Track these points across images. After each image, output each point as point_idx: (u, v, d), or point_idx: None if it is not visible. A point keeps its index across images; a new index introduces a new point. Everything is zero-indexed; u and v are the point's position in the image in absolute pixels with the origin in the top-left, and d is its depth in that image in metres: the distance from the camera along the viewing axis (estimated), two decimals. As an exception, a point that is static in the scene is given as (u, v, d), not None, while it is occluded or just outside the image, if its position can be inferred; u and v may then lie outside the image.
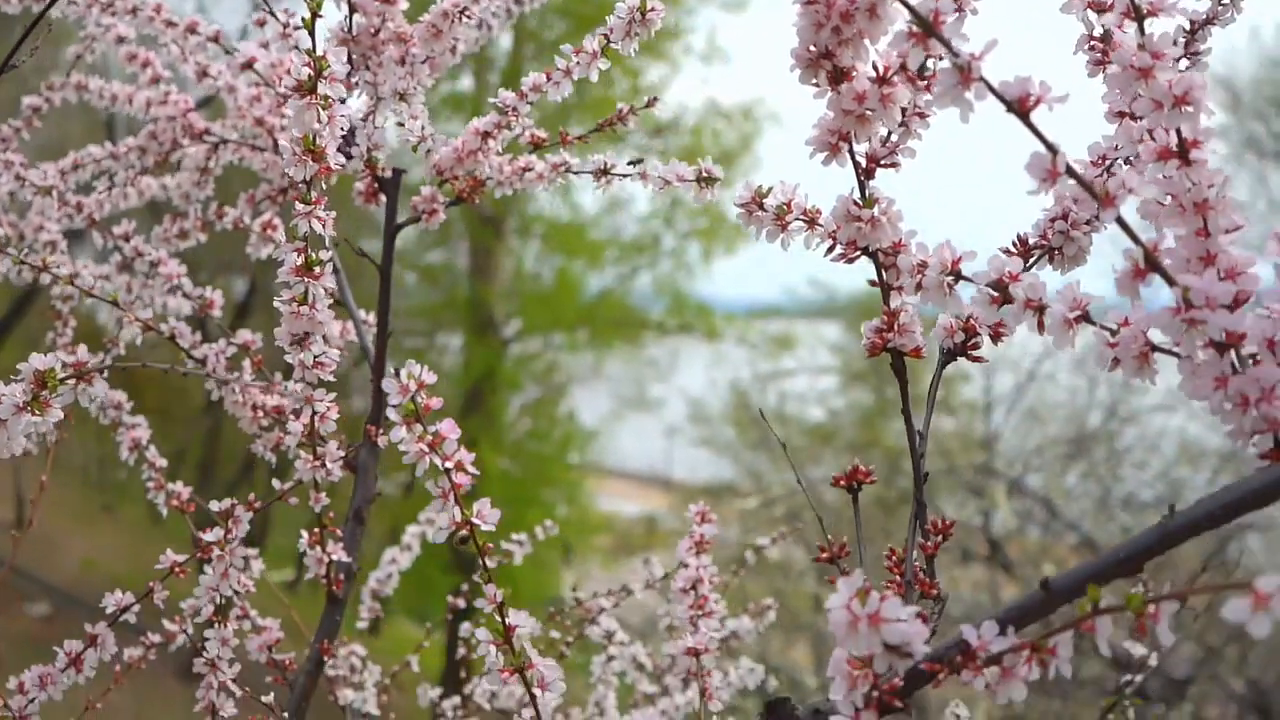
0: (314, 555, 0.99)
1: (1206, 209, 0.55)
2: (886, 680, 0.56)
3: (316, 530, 0.99)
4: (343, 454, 0.94)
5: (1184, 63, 0.74)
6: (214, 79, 1.18)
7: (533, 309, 11.37)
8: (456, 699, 1.38)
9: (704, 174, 0.89)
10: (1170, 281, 0.53)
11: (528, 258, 11.95)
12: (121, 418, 1.16)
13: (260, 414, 1.05)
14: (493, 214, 11.21)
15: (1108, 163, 0.71)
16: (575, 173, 1.00)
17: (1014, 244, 0.71)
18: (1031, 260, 0.71)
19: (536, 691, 0.67)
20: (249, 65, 1.10)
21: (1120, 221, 0.53)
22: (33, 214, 1.28)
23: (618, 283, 11.82)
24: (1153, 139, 0.58)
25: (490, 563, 0.69)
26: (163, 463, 1.13)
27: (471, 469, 0.65)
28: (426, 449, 0.64)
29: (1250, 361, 0.54)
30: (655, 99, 1.03)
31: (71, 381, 0.67)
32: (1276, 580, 0.41)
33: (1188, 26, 0.74)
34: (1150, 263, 0.53)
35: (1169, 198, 0.57)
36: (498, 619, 0.67)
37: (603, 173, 0.97)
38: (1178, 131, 0.55)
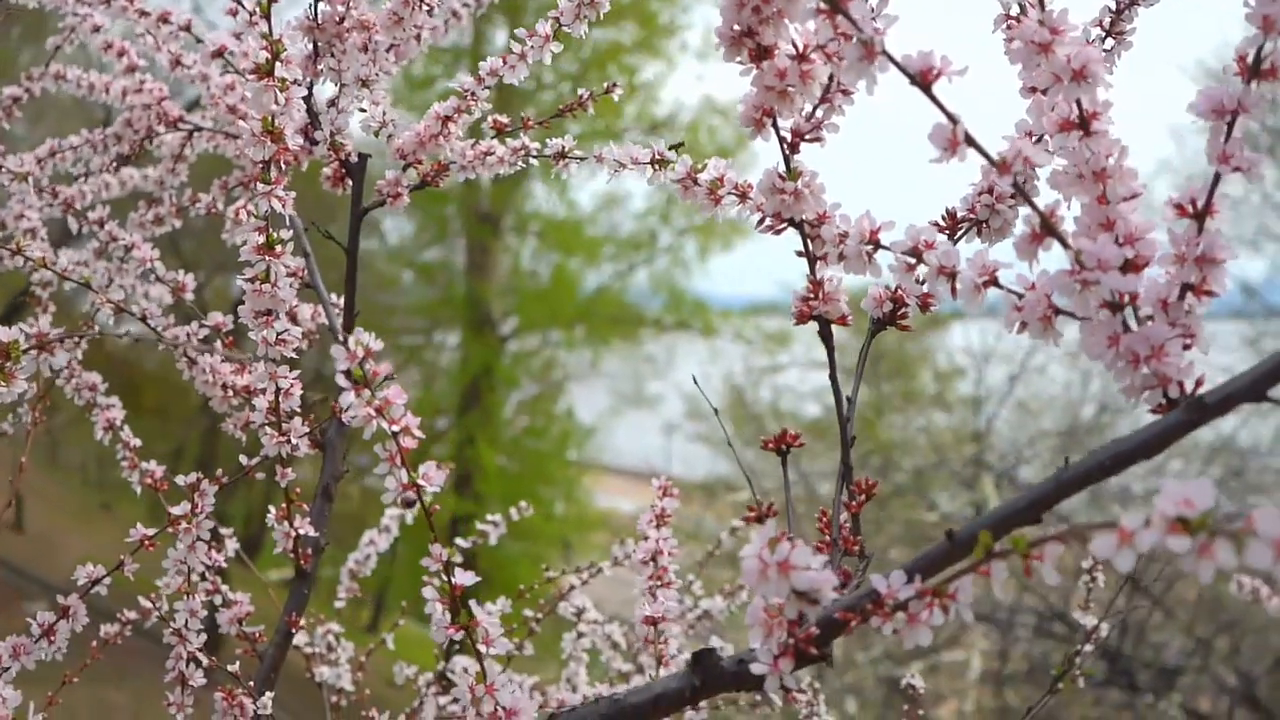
0: (281, 530, 1.02)
1: (1105, 177, 0.58)
2: (804, 629, 0.59)
3: (284, 506, 1.02)
4: (308, 430, 0.97)
5: (1109, 41, 0.77)
6: (187, 68, 1.21)
7: (530, 306, 11.41)
8: (430, 675, 1.41)
9: (657, 157, 0.91)
10: (1065, 245, 0.55)
11: (524, 255, 12.00)
12: (96, 399, 1.18)
13: (230, 393, 1.08)
14: (489, 212, 11.25)
15: (1032, 139, 0.73)
16: (535, 157, 1.03)
17: (942, 217, 0.74)
18: (959, 233, 0.74)
19: (481, 648, 0.70)
20: (219, 54, 1.12)
21: (1017, 187, 0.56)
22: (12, 202, 1.31)
23: (614, 280, 11.87)
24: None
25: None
26: (137, 442, 1.16)
27: (418, 433, 0.68)
28: (374, 413, 0.67)
29: (1147, 321, 0.57)
30: (614, 85, 1.06)
31: (34, 352, 0.70)
32: (1140, 518, 0.44)
33: (1114, 6, 0.77)
34: (1047, 227, 0.56)
35: (1074, 167, 0.59)
36: (444, 578, 0.70)
37: (560, 156, 1.00)
38: (1078, 103, 0.58)
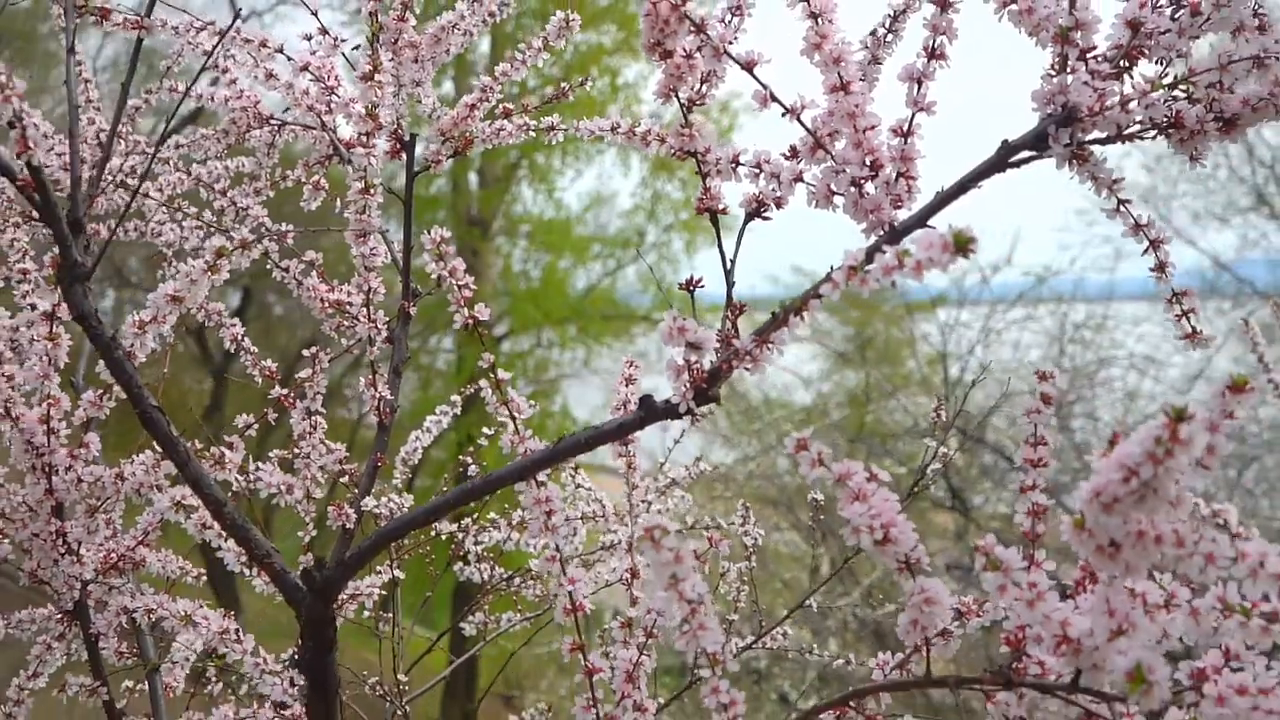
0: (369, 394, 1.48)
1: (856, 117, 1.04)
2: (700, 376, 1.05)
3: (370, 377, 1.48)
4: (388, 319, 1.43)
5: (889, 36, 1.23)
6: (277, 79, 1.66)
7: (522, 307, 11.85)
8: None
9: (615, 125, 1.37)
10: (828, 153, 1.02)
11: (515, 257, 12.44)
12: (222, 320, 1.64)
13: (325, 305, 1.54)
14: (479, 216, 11.69)
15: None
16: (535, 131, 1.50)
17: (789, 149, 1.20)
18: (800, 159, 1.19)
19: (516, 414, 1.16)
20: (305, 68, 1.58)
21: (800, 122, 1.02)
22: (151, 187, 1.77)
23: (604, 278, 12.32)
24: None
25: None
26: (255, 350, 1.62)
27: (473, 286, 1.14)
28: (448, 275, 1.13)
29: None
30: (586, 79, 1.53)
31: (239, 251, 1.15)
32: (893, 260, 0.89)
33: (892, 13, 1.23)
34: (818, 144, 1.02)
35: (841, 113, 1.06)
36: (492, 375, 1.16)
37: (552, 129, 1.47)
38: (839, 75, 1.04)
